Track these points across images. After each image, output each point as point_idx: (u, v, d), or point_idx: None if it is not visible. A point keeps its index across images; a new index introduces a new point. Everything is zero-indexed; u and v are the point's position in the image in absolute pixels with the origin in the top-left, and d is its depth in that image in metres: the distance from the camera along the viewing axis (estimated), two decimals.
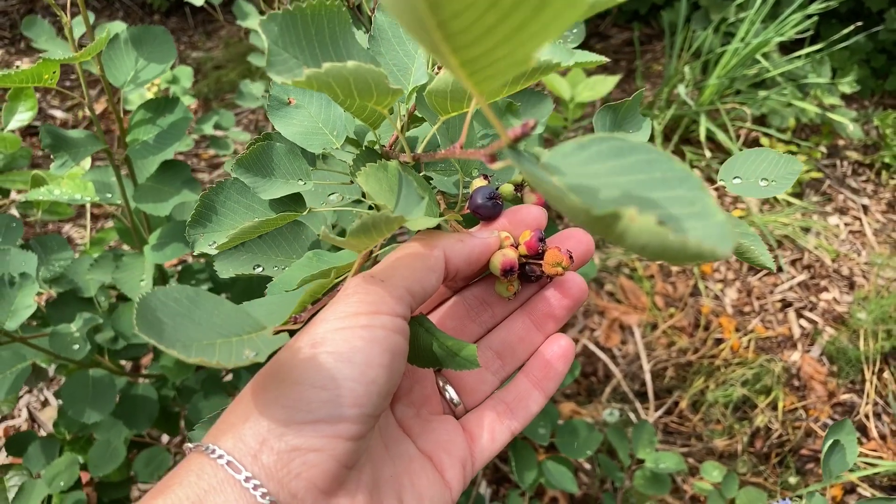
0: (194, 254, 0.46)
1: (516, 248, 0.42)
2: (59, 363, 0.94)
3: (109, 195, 0.72)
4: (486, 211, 0.41)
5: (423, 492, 0.38)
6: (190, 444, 0.33)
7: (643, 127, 0.51)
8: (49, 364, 0.84)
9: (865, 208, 2.16)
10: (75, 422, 0.90)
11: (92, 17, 0.77)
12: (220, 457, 0.31)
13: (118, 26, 0.92)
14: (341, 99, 0.33)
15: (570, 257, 0.41)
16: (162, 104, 0.67)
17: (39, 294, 0.78)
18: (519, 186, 0.46)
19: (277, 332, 0.34)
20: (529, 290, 0.45)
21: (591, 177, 0.23)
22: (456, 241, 0.39)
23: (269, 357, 0.33)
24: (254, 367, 0.86)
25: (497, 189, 0.43)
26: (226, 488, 0.30)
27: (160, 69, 0.65)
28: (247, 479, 0.30)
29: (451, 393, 0.43)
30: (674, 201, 0.21)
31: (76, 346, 0.69)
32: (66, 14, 0.64)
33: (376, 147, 0.44)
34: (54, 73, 0.62)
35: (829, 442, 0.64)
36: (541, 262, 0.42)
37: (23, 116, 1.08)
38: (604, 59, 0.52)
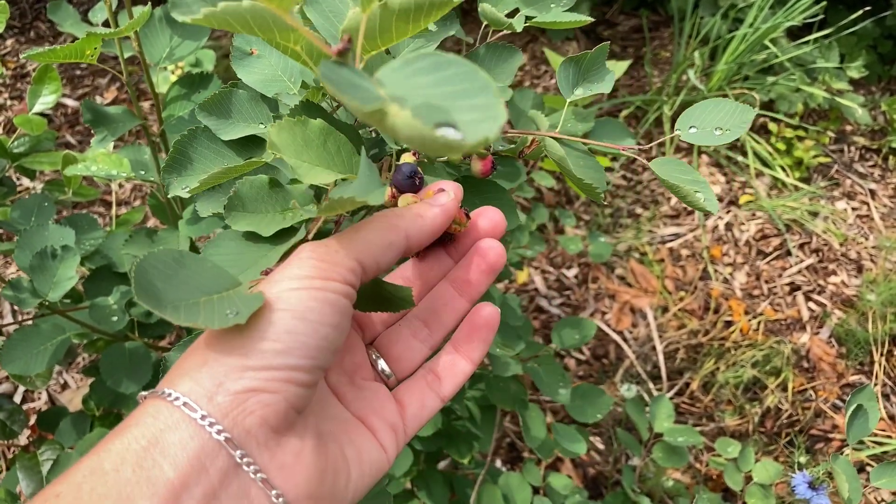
0: (168, 196, 0.48)
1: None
2: (87, 341, 0.96)
3: (143, 172, 0.74)
4: (406, 188, 0.43)
5: (361, 448, 0.39)
6: (144, 393, 0.34)
7: (606, 79, 0.53)
8: (82, 340, 0.86)
9: (873, 193, 2.17)
10: (106, 397, 0.92)
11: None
12: (177, 399, 0.32)
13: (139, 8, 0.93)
14: (259, 38, 0.35)
15: (467, 215, 0.43)
16: (197, 80, 0.69)
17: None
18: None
19: (251, 288, 0.36)
20: (446, 258, 0.46)
21: (412, 88, 0.26)
22: (417, 218, 0.40)
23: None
24: None
25: (416, 167, 0.44)
26: (181, 426, 0.32)
27: (194, 45, 0.67)
28: (202, 418, 0.32)
29: (382, 364, 0.45)
30: (473, 108, 0.25)
31: (115, 318, 0.71)
32: None
33: (325, 99, 0.46)
34: (96, 48, 0.64)
35: (853, 406, 0.66)
36: None
37: (47, 99, 1.09)
38: (585, 18, 0.53)
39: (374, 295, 0.42)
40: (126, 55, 0.74)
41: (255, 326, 0.33)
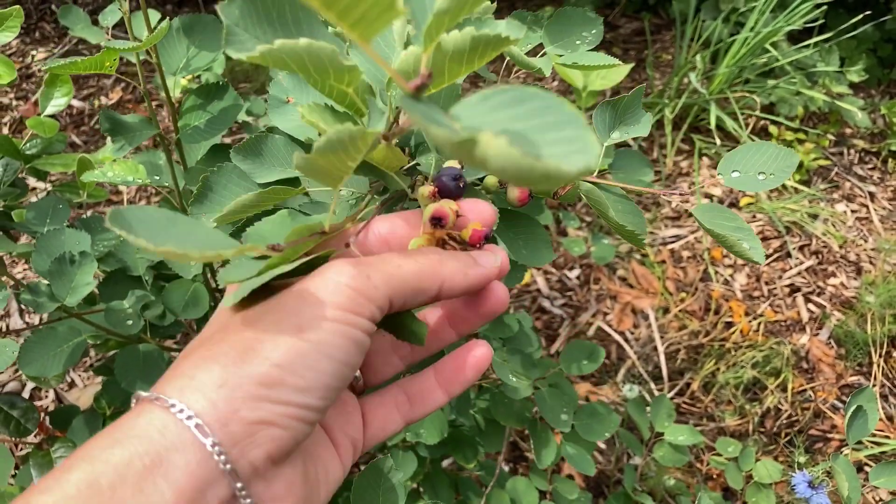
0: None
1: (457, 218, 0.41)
2: (99, 342, 0.98)
3: (158, 177, 0.76)
4: (447, 190, 0.42)
5: (328, 466, 0.39)
6: (144, 394, 0.32)
7: (643, 121, 0.52)
8: (95, 341, 0.87)
9: (872, 195, 2.19)
10: (118, 396, 0.93)
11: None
12: (189, 417, 0.30)
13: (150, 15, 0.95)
14: (309, 79, 0.34)
15: (486, 237, 0.41)
16: (213, 90, 0.70)
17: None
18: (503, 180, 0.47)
19: (259, 258, 0.35)
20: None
21: (491, 123, 0.26)
22: (458, 274, 0.38)
23: (247, 301, 0.35)
24: None
25: (462, 171, 0.43)
26: (189, 449, 0.30)
27: (211, 56, 0.68)
28: (213, 445, 0.30)
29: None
30: (562, 140, 0.24)
31: (130, 322, 0.72)
32: (125, 2, 0.67)
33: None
34: (115, 60, 0.66)
35: (853, 407, 0.67)
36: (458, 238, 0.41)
37: (59, 102, 1.11)
38: (615, 62, 0.52)
39: (390, 316, 0.40)
40: (137, 58, 0.75)
41: (281, 356, 0.32)
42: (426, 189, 0.42)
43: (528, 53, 0.54)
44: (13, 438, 0.94)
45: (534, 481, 0.90)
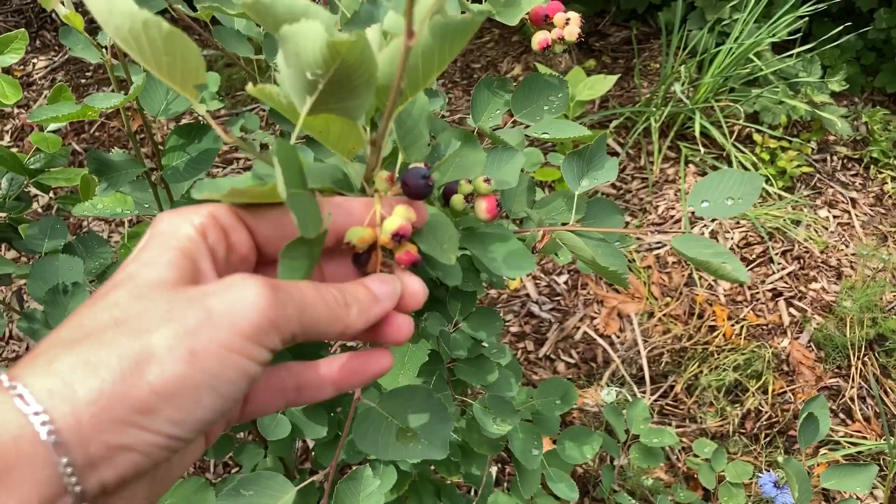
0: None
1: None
2: None
3: (147, 205, 0.80)
4: (415, 189, 0.40)
5: (186, 453, 0.35)
6: (5, 379, 0.29)
7: (608, 167, 0.56)
8: None
9: (854, 201, 2.25)
10: None
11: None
12: (51, 433, 0.27)
13: None
14: None
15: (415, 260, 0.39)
16: (193, 131, 0.74)
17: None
18: (469, 196, 0.48)
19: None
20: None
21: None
22: (361, 318, 0.37)
23: None
24: None
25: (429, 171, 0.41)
26: (40, 466, 0.27)
27: (188, 103, 0.73)
28: (67, 465, 0.28)
29: None
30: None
31: None
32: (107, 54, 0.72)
33: None
34: (98, 111, 0.71)
35: (805, 415, 0.72)
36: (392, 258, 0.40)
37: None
38: (586, 132, 0.56)
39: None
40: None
41: (168, 378, 0.29)
42: (384, 174, 0.41)
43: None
44: None
45: (514, 497, 0.94)
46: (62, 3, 0.65)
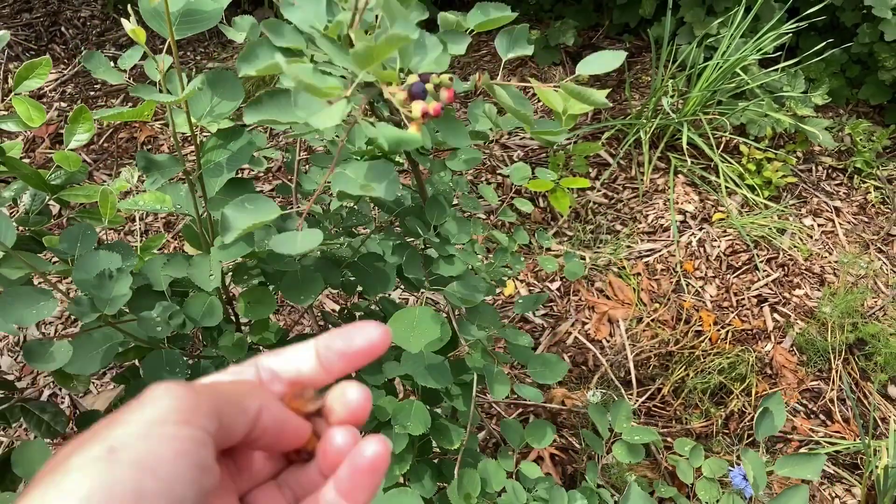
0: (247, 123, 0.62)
1: None
2: (121, 351, 1.10)
3: (179, 206, 0.89)
4: (419, 94, 0.57)
5: None
6: None
7: (526, 46, 0.72)
8: (126, 346, 1.00)
9: (838, 210, 2.33)
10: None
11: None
12: None
13: (168, 59, 1.08)
14: None
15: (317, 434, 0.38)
16: (230, 133, 0.83)
17: None
18: (437, 86, 0.61)
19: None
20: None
21: None
22: (270, 403, 0.35)
23: None
24: None
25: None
26: None
27: (232, 106, 0.81)
28: None
29: None
30: None
31: (159, 329, 0.85)
32: (156, 61, 0.80)
33: None
34: (152, 109, 0.79)
35: (761, 409, 0.80)
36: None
37: (81, 137, 1.23)
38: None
39: None
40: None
41: (92, 481, 0.27)
42: (402, 94, 0.58)
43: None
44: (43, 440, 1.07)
45: (502, 464, 1.03)
46: (128, 20, 0.73)
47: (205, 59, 2.97)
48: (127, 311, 0.94)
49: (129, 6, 0.83)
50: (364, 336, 0.38)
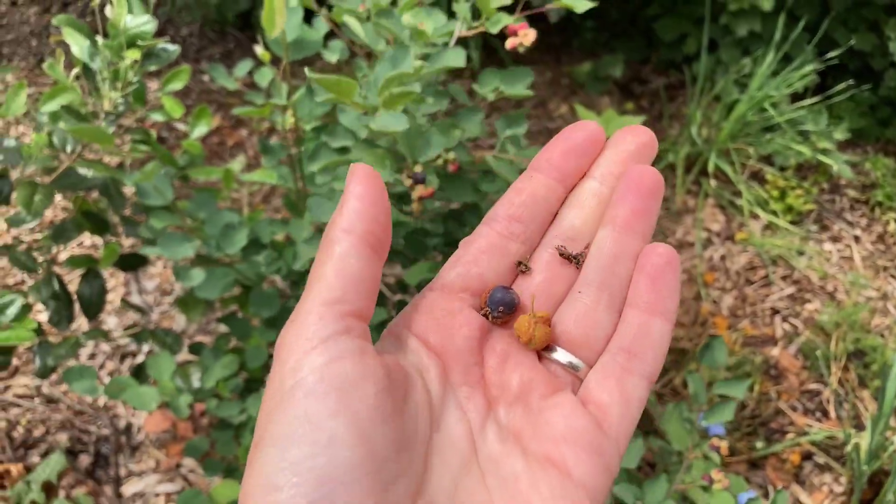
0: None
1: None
2: (225, 298, 1.42)
3: (283, 181, 1.20)
4: (419, 181, 0.82)
5: None
6: None
7: (522, 125, 0.92)
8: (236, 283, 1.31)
9: (857, 238, 2.52)
10: (244, 333, 1.36)
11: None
12: None
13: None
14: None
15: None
16: (322, 128, 1.14)
17: None
18: (444, 161, 0.87)
19: None
20: None
21: None
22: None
23: None
24: None
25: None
26: None
27: (323, 110, 1.12)
28: None
29: (561, 357, 0.36)
30: None
31: (264, 269, 1.16)
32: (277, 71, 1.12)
33: None
34: (272, 109, 1.11)
35: (705, 343, 1.05)
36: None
37: (202, 129, 1.56)
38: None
39: None
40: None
41: (279, 434, 0.28)
42: (408, 181, 0.85)
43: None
44: None
45: None
46: (258, 46, 1.05)
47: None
48: (239, 259, 1.27)
49: (258, 35, 1.15)
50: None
